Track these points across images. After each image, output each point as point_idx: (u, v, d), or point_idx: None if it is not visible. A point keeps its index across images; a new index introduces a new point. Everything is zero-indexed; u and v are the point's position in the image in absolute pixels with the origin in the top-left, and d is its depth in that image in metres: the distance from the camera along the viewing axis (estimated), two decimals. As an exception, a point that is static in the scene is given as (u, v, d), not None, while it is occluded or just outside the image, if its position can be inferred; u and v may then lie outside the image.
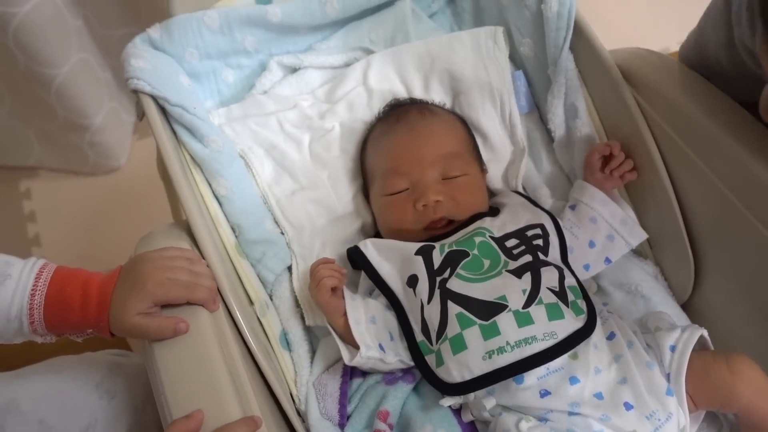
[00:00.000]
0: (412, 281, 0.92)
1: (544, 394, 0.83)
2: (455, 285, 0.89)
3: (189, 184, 0.94)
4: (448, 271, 0.91)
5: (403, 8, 1.21)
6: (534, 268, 0.90)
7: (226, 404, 0.75)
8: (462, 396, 0.86)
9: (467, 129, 1.12)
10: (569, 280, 0.92)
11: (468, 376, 0.84)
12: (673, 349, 0.86)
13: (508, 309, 0.86)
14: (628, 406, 0.82)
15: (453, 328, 0.86)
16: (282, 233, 1.04)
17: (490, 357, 0.83)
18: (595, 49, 1.04)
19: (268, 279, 1.00)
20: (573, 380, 0.84)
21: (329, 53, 1.19)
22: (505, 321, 0.85)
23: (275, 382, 0.86)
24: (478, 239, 0.95)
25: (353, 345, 0.89)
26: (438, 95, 1.17)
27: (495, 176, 1.13)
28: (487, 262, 0.92)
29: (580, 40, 1.05)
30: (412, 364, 0.91)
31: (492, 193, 1.14)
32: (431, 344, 0.88)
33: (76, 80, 1.60)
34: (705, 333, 0.89)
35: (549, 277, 0.90)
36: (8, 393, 0.91)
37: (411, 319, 0.91)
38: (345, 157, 1.12)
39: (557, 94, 1.08)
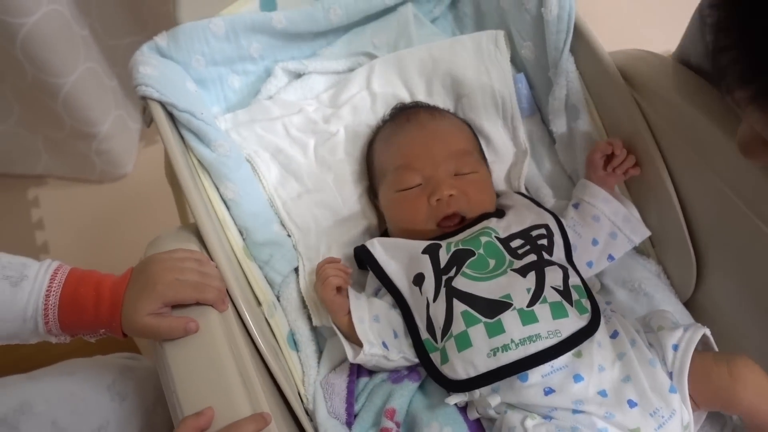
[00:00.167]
0: (419, 279, 0.93)
1: (549, 391, 0.84)
2: (461, 283, 0.90)
3: (197, 188, 0.95)
4: (454, 269, 0.92)
5: (405, 14, 1.22)
6: (538, 268, 0.91)
7: (236, 402, 0.77)
8: (467, 393, 0.87)
9: (473, 131, 1.13)
10: (573, 280, 0.93)
11: (473, 373, 0.84)
12: (675, 348, 0.87)
13: (512, 307, 0.87)
14: (631, 404, 0.83)
15: (458, 326, 0.87)
16: (288, 235, 1.06)
17: (494, 354, 0.84)
18: (595, 51, 1.05)
19: (275, 280, 1.01)
20: (577, 378, 0.84)
21: (333, 59, 1.21)
22: (509, 319, 0.86)
23: (284, 381, 0.87)
24: (484, 239, 0.96)
25: (357, 343, 0.90)
26: (441, 98, 1.18)
27: (498, 177, 1.14)
28: (492, 262, 0.93)
29: (581, 42, 1.07)
30: (416, 361, 0.92)
31: (495, 195, 1.14)
32: (436, 342, 0.89)
33: (83, 89, 1.62)
34: (708, 332, 0.89)
35: (553, 277, 0.91)
36: (22, 395, 0.92)
37: (416, 318, 0.92)
38: (350, 160, 1.14)
39: (558, 95, 1.09)
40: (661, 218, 1.05)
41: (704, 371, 0.85)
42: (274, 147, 1.11)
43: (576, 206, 1.06)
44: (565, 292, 0.90)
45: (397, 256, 0.98)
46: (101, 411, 0.96)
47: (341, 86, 1.19)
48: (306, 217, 1.07)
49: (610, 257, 1.05)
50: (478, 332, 0.85)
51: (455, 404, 0.89)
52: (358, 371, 0.96)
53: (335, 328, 0.93)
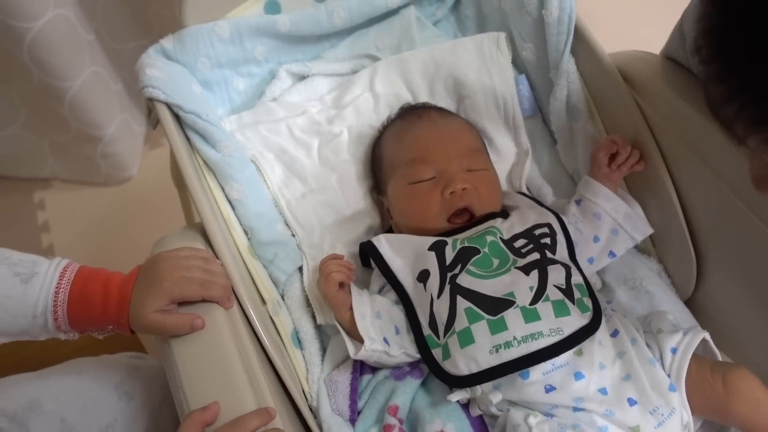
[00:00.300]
0: (424, 276, 0.94)
1: (549, 389, 0.85)
2: (465, 281, 0.91)
3: (203, 188, 0.96)
4: (459, 266, 0.93)
5: (408, 16, 1.23)
6: (541, 266, 0.92)
7: (241, 397, 0.78)
8: (469, 390, 0.88)
9: (478, 132, 1.14)
10: (576, 278, 0.94)
11: (475, 369, 0.85)
12: (674, 351, 0.87)
13: (515, 305, 0.87)
14: (631, 402, 0.84)
15: (461, 322, 0.87)
16: (293, 235, 1.07)
17: (497, 351, 0.85)
18: (595, 52, 1.06)
19: (279, 279, 1.02)
20: (578, 376, 0.85)
21: (336, 61, 1.23)
22: (512, 317, 0.86)
23: (288, 378, 0.88)
24: (489, 238, 0.97)
25: (358, 339, 0.91)
26: (443, 100, 1.20)
27: (500, 177, 1.14)
28: (496, 261, 0.94)
29: (581, 43, 1.07)
30: (417, 356, 0.93)
31: (502, 194, 1.15)
32: (438, 338, 0.90)
33: (89, 93, 1.63)
34: (707, 336, 0.89)
35: (556, 275, 0.92)
36: (31, 393, 0.93)
37: (419, 314, 0.93)
38: (353, 161, 1.15)
39: (559, 96, 1.10)
40: (661, 218, 1.06)
41: (700, 380, 0.85)
42: (279, 148, 1.13)
43: (578, 202, 1.06)
44: (567, 291, 0.91)
45: (402, 253, 0.98)
46: (109, 410, 0.98)
47: (344, 88, 1.20)
48: (310, 216, 1.08)
49: (612, 254, 1.05)
50: (480, 329, 0.86)
51: (458, 401, 0.90)
52: (361, 369, 0.97)
53: (337, 324, 0.94)
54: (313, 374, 0.97)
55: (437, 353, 0.89)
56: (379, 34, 1.24)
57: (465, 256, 0.94)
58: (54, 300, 0.79)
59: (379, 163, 1.11)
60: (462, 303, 0.89)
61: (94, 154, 1.79)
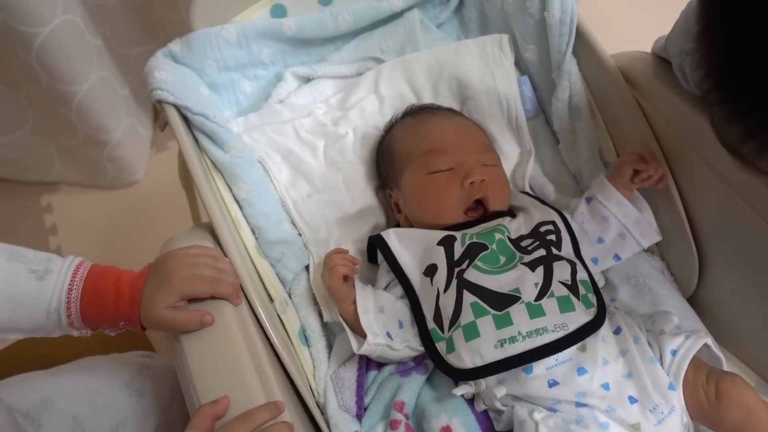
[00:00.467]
0: (431, 270, 0.95)
1: (552, 384, 0.85)
2: (472, 276, 0.92)
3: (211, 188, 0.98)
4: (467, 262, 0.94)
5: (411, 19, 1.25)
6: (547, 263, 0.93)
7: (251, 391, 0.79)
8: (473, 385, 0.89)
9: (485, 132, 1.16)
10: (581, 275, 0.95)
11: (480, 363, 0.86)
12: (674, 353, 0.88)
13: (521, 301, 0.88)
14: (632, 400, 0.84)
15: (467, 317, 0.88)
16: (299, 234, 1.08)
17: (501, 345, 0.86)
18: (597, 53, 1.06)
19: (287, 278, 1.03)
20: (581, 371, 0.85)
21: (341, 63, 1.24)
22: (517, 312, 0.87)
23: (296, 374, 0.89)
24: (497, 236, 0.98)
25: (362, 334, 0.91)
26: (447, 101, 1.21)
27: (504, 177, 1.16)
28: (503, 259, 0.95)
29: (583, 44, 1.08)
30: (420, 350, 0.93)
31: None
32: (443, 332, 0.91)
33: (96, 97, 1.65)
34: (709, 341, 0.89)
35: (561, 271, 0.93)
36: (44, 390, 0.95)
37: (424, 308, 0.94)
38: (358, 161, 1.16)
39: (561, 97, 1.11)
40: (664, 215, 1.06)
41: (695, 385, 0.85)
42: (285, 149, 1.14)
43: (588, 201, 1.06)
44: (572, 287, 0.91)
45: (410, 247, 0.99)
46: (120, 407, 0.99)
47: (349, 90, 1.22)
48: (316, 216, 1.09)
49: (617, 257, 1.06)
50: (486, 323, 0.87)
51: (463, 396, 0.91)
52: (367, 365, 0.98)
53: (340, 319, 0.95)
54: (320, 371, 0.98)
55: (441, 347, 0.90)
56: (383, 36, 1.25)
57: (473, 251, 0.95)
58: (67, 297, 0.81)
59: (391, 156, 1.11)
60: (468, 297, 0.90)
61: (101, 158, 1.81)
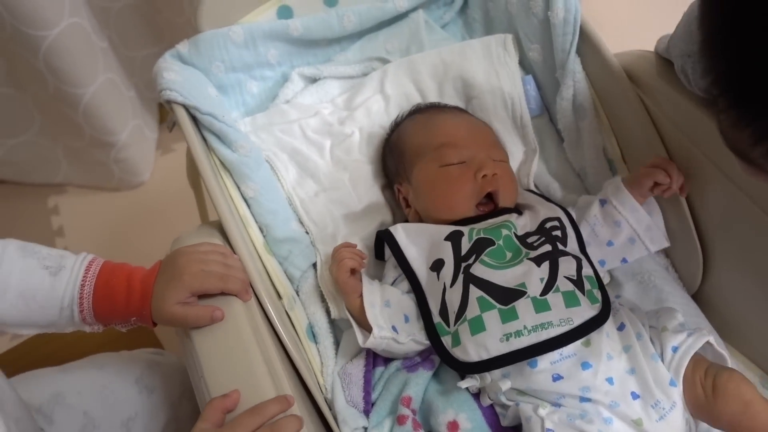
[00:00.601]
0: (438, 265, 0.96)
1: (557, 378, 0.86)
2: (478, 270, 0.93)
3: (220, 186, 0.99)
4: (474, 257, 0.95)
5: (416, 20, 1.26)
6: (552, 258, 0.93)
7: (261, 385, 0.80)
8: (478, 379, 0.90)
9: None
10: (587, 270, 0.95)
11: (485, 356, 0.87)
12: (675, 350, 0.88)
13: (526, 295, 0.89)
14: (634, 395, 0.85)
15: (473, 311, 0.89)
16: (306, 232, 1.08)
17: (507, 339, 0.86)
18: (600, 52, 1.07)
19: (294, 275, 1.04)
20: (585, 365, 0.86)
21: (347, 64, 1.25)
22: (523, 306, 0.88)
23: (304, 369, 0.90)
24: (504, 231, 0.98)
25: (368, 329, 0.92)
26: (452, 101, 1.22)
27: (509, 175, 1.17)
28: (509, 254, 0.96)
29: (586, 44, 1.09)
30: (426, 343, 0.94)
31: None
32: (448, 326, 0.91)
33: (102, 99, 1.66)
34: (713, 340, 0.90)
35: (567, 267, 0.93)
36: (55, 386, 0.96)
37: (430, 302, 0.95)
38: (364, 160, 1.17)
39: (566, 96, 1.12)
40: (668, 213, 1.07)
41: (694, 381, 0.86)
42: (292, 148, 1.15)
43: (602, 204, 1.05)
44: (578, 282, 0.92)
45: (418, 242, 1.00)
46: (130, 403, 1.00)
47: (355, 90, 1.23)
48: (323, 214, 1.10)
49: (624, 260, 1.06)
50: (492, 317, 0.88)
51: (469, 391, 0.92)
52: (374, 361, 0.99)
53: (347, 312, 0.96)
54: (327, 367, 0.99)
55: (447, 340, 0.91)
56: (388, 37, 1.26)
57: (480, 246, 0.96)
58: (80, 292, 0.82)
59: (400, 151, 1.12)
60: (474, 292, 0.90)
61: (107, 160, 1.82)
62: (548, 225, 1.01)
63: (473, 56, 1.21)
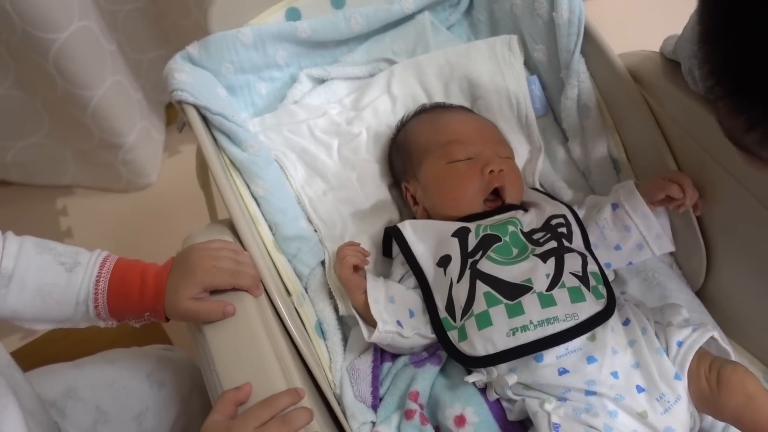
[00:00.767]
0: (444, 261, 0.97)
1: (562, 372, 0.87)
2: (485, 266, 0.94)
3: (230, 185, 1.00)
4: (480, 253, 0.96)
5: (422, 21, 1.27)
6: (558, 254, 0.94)
7: (272, 377, 0.81)
8: (485, 373, 0.90)
9: None
10: (592, 267, 0.96)
11: (492, 350, 0.88)
12: (680, 344, 0.88)
13: (532, 291, 0.90)
14: (639, 389, 0.86)
15: (480, 306, 0.90)
16: (315, 230, 1.09)
17: (513, 334, 0.87)
18: (604, 52, 1.09)
19: (303, 273, 1.05)
20: (590, 359, 0.87)
21: (355, 65, 1.26)
22: (529, 302, 0.89)
23: (314, 364, 0.91)
24: (510, 228, 0.99)
25: (372, 324, 0.93)
26: (457, 101, 1.23)
27: (514, 174, 1.18)
28: (515, 250, 0.97)
29: (591, 44, 1.11)
30: (431, 337, 0.95)
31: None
32: (455, 321, 0.92)
33: (110, 101, 1.68)
34: (716, 334, 0.90)
35: (572, 263, 0.94)
36: (68, 381, 0.98)
37: (437, 298, 0.96)
38: (372, 159, 1.18)
39: (570, 95, 1.13)
40: (672, 211, 1.07)
41: (698, 374, 0.86)
42: (300, 148, 1.16)
43: (614, 208, 1.06)
44: (583, 278, 0.93)
45: (425, 239, 1.01)
46: (141, 397, 1.02)
47: (363, 90, 1.24)
48: (331, 212, 1.11)
49: (630, 263, 1.08)
50: (498, 312, 0.89)
51: (476, 386, 0.93)
52: (381, 357, 0.99)
53: (352, 309, 0.97)
54: (336, 363, 0.99)
55: (453, 335, 0.92)
56: (395, 38, 1.28)
57: (487, 242, 0.97)
58: (95, 288, 0.83)
59: (408, 149, 1.13)
60: (481, 287, 0.91)
61: (115, 162, 1.84)
62: (554, 222, 1.02)
63: (479, 57, 1.22)
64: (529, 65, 1.24)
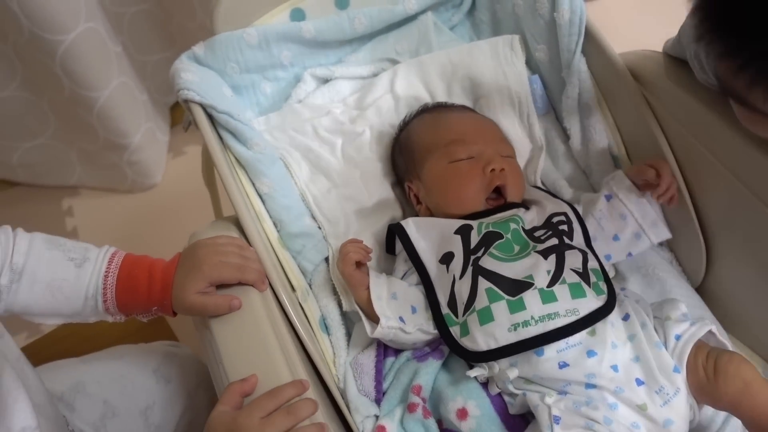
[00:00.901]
0: (447, 258, 0.98)
1: (563, 365, 0.88)
2: (487, 263, 0.95)
3: (236, 182, 1.01)
4: (483, 250, 0.97)
5: (425, 21, 1.28)
6: (559, 251, 0.95)
7: (277, 369, 0.82)
8: (487, 367, 0.92)
9: None
10: (592, 263, 0.97)
11: (493, 345, 0.89)
12: (678, 338, 0.89)
13: (534, 287, 0.91)
14: (638, 382, 0.87)
15: (482, 302, 0.91)
16: (319, 227, 1.11)
17: (515, 329, 0.88)
18: (605, 51, 1.09)
19: (307, 269, 1.06)
20: (590, 353, 0.88)
21: (358, 64, 1.28)
22: (530, 297, 0.90)
23: (318, 358, 0.92)
24: (512, 225, 1.01)
25: (375, 320, 0.94)
26: (460, 100, 1.24)
27: (516, 172, 1.19)
28: (517, 248, 0.98)
29: (592, 44, 1.11)
30: (433, 332, 0.96)
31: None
32: (457, 317, 0.94)
33: (116, 102, 1.69)
34: (714, 329, 0.91)
35: (573, 260, 0.95)
36: (76, 376, 0.99)
37: (439, 294, 0.97)
38: (375, 158, 1.19)
39: (571, 94, 1.14)
40: (671, 209, 1.08)
41: (696, 365, 0.87)
42: (305, 146, 1.17)
43: (608, 198, 1.08)
44: (583, 274, 0.94)
45: (428, 236, 1.02)
46: (148, 392, 1.03)
47: (366, 90, 1.25)
48: (335, 210, 1.12)
49: (629, 255, 1.08)
50: (500, 308, 0.90)
51: (477, 380, 0.94)
52: (384, 352, 1.01)
53: (355, 305, 0.98)
54: (339, 357, 1.01)
55: (455, 330, 0.93)
56: (398, 39, 1.29)
57: (489, 240, 0.98)
58: (104, 283, 0.85)
59: (410, 149, 1.15)
60: (483, 284, 0.93)
61: (120, 162, 1.85)
62: (555, 219, 1.03)
63: (481, 56, 1.23)
64: (531, 65, 1.25)
